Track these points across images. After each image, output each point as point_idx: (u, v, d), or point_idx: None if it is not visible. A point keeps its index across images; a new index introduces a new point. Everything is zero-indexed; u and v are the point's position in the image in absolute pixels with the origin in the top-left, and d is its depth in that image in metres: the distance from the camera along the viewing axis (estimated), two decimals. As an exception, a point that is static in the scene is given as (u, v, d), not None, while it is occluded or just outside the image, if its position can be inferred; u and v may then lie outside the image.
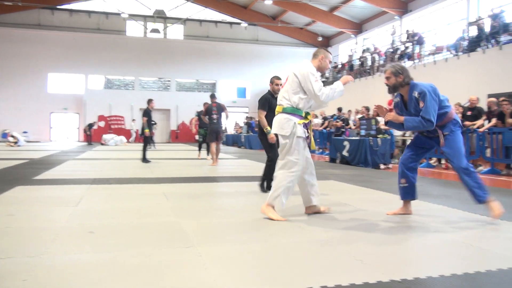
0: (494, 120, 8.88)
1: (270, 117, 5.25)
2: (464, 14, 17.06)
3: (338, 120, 14.78)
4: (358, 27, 25.50)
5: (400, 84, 4.00)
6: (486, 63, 12.84)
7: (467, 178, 3.91)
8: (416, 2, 20.20)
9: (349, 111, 15.77)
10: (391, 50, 18.75)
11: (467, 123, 9.30)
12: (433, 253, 2.95)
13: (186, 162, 11.27)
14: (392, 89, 4.07)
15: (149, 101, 10.76)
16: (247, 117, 25.61)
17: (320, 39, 28.46)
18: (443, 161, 10.49)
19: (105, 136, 22.84)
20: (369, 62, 20.31)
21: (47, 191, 5.67)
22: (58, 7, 27.49)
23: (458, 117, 4.11)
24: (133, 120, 26.40)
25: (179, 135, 28.70)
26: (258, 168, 9.51)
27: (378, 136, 10.43)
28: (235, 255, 2.84)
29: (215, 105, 9.93)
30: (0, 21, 26.50)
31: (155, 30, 28.34)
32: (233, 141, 23.44)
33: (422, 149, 4.25)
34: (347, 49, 26.38)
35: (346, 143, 11.16)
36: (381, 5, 21.12)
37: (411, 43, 17.19)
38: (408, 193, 4.22)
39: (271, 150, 5.47)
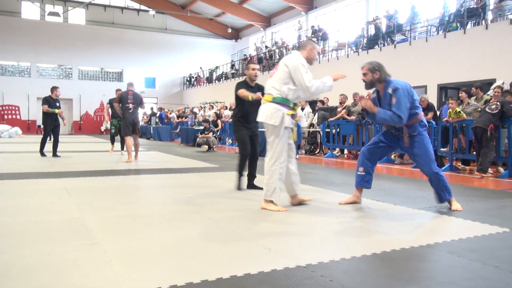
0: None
1: (242, 109, 5.15)
2: (364, 14, 18.21)
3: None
4: (267, 20, 26.01)
5: (378, 80, 4.12)
6: (382, 60, 13.80)
7: (437, 182, 4.14)
8: (321, -1, 21.13)
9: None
10: (298, 44, 19.41)
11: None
12: (336, 238, 3.14)
13: (91, 154, 10.69)
14: (369, 85, 4.20)
15: (53, 88, 9.76)
16: (156, 108, 24.96)
17: (230, 30, 28.57)
18: (346, 151, 11.16)
19: (-2, 127, 20.86)
20: (277, 56, 20.84)
21: None
22: None
23: (425, 119, 4.28)
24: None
25: (82, 126, 27.12)
26: (168, 161, 9.35)
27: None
28: (142, 250, 2.76)
29: (131, 93, 8.85)
30: None
31: (54, 14, 26.29)
32: (142, 132, 22.72)
33: (386, 145, 4.33)
34: (256, 42, 26.81)
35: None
36: (288, 0, 21.75)
37: (316, 39, 17.94)
38: (363, 181, 4.35)
39: (245, 146, 5.19)
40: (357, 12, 18.96)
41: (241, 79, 22.84)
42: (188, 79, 29.52)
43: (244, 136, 5.20)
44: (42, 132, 9.95)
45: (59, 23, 26.87)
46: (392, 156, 9.52)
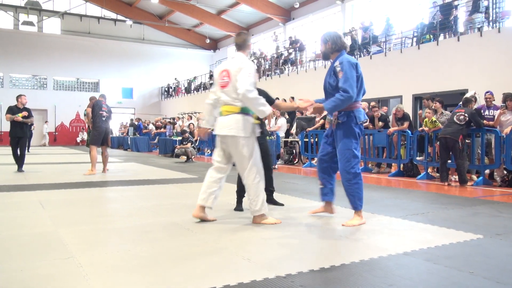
0: (366, 123, 9.75)
1: None
2: (340, 25, 18.52)
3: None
4: (245, 31, 26.14)
5: (330, 51, 4.02)
6: (359, 70, 14.12)
7: (346, 183, 3.94)
8: (298, 10, 21.40)
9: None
10: (276, 55, 19.57)
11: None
12: (313, 248, 3.15)
13: (66, 166, 10.48)
14: (323, 56, 4.14)
15: (18, 97, 9.09)
16: (133, 119, 24.71)
17: (208, 41, 28.61)
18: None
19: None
20: (255, 66, 20.97)
21: None
22: None
23: (363, 113, 3.97)
24: (46, 121, 25.56)
25: (57, 137, 26.62)
26: (146, 172, 9.24)
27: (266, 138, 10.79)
28: (119, 263, 2.71)
29: (105, 103, 8.67)
30: None
31: (28, 23, 25.91)
32: (119, 143, 22.44)
33: (330, 146, 4.09)
34: (233, 52, 26.89)
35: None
36: (266, 12, 21.96)
37: (293, 50, 18.13)
38: (323, 195, 4.22)
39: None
40: (334, 24, 19.27)
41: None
42: (166, 89, 29.36)
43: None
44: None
45: (34, 33, 26.46)
46: (369, 165, 9.64)
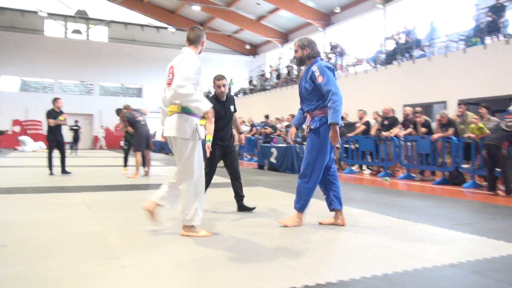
0: (410, 129, 9.52)
1: (216, 125, 4.40)
2: (382, 29, 18.19)
3: (266, 127, 15.02)
4: (285, 36, 26.20)
5: (307, 57, 4.05)
6: (401, 75, 13.78)
7: (298, 185, 4.01)
8: (339, 15, 21.21)
9: (277, 118, 16.08)
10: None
11: (384, 133, 9.88)
12: (355, 256, 3.09)
13: (111, 169, 10.82)
14: (299, 61, 4.13)
15: (54, 100, 9.02)
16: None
17: (247, 47, 28.84)
18: (364, 167, 11.06)
19: (21, 138, 21.38)
20: (295, 71, 20.92)
21: (-49, 202, 5.15)
22: (-34, 1, 25.32)
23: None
24: (101, 126, 26.86)
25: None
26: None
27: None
28: (161, 265, 2.76)
29: (132, 111, 8.81)
30: None
31: (77, 31, 27.06)
32: (161, 147, 22.92)
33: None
34: (274, 58, 26.99)
35: (273, 150, 11.37)
36: (305, 17, 21.89)
37: (333, 54, 17.97)
38: (330, 203, 4.16)
39: (210, 165, 4.77)
40: (374, 28, 18.95)
41: (260, 94, 22.92)
42: (206, 95, 29.79)
43: (216, 156, 4.78)
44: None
45: (82, 41, 27.58)
46: (412, 173, 9.38)
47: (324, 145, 3.91)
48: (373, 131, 10.52)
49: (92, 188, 6.79)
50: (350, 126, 11.78)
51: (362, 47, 17.85)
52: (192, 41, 3.64)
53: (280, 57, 24.12)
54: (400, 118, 10.85)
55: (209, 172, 4.77)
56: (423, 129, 9.12)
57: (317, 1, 21.33)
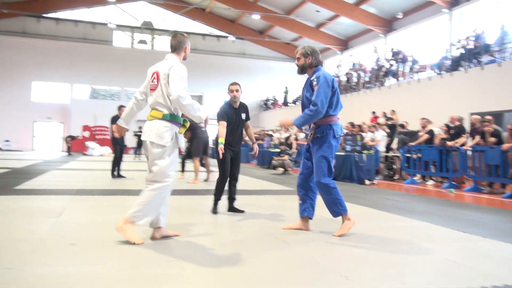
0: (477, 138, 9.03)
1: (227, 131, 4.95)
2: (447, 34, 17.45)
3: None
4: (344, 43, 25.86)
5: (309, 65, 4.03)
6: (468, 82, 13.12)
7: (324, 195, 3.90)
8: (401, 21, 20.61)
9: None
10: (376, 67, 19.02)
11: (449, 143, 9.44)
12: (416, 270, 2.96)
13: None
14: (300, 69, 4.10)
15: (119, 107, 9.36)
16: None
17: (306, 54, 28.73)
18: (427, 177, 10.62)
19: (88, 143, 22.67)
20: (354, 79, 20.57)
21: (28, 201, 5.55)
22: (44, 15, 27.32)
23: (340, 126, 4.00)
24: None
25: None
26: (244, 182, 9.49)
27: (364, 152, 10.52)
28: (219, 270, 2.81)
29: None
30: (-16, 28, 26.24)
31: (143, 41, 28.35)
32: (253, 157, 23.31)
33: (310, 160, 4.06)
34: (333, 65, 26.70)
35: (331, 158, 11.20)
36: (366, 23, 21.49)
37: (395, 61, 17.47)
38: (301, 210, 4.13)
39: (225, 169, 5.02)
40: (439, 33, 18.22)
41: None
42: (265, 102, 30.04)
43: (227, 158, 5.00)
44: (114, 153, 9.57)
45: (147, 50, 28.83)
46: (480, 185, 8.86)
47: (332, 151, 3.92)
48: (437, 140, 10.09)
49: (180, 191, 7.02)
50: (412, 134, 11.38)
51: (425, 53, 17.20)
52: (175, 48, 3.71)
53: (339, 64, 23.83)
54: (467, 127, 10.32)
55: (223, 175, 5.04)
56: (492, 139, 8.61)
57: (379, 7, 20.88)
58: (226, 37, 29.85)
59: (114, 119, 9.20)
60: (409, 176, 10.66)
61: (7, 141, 24.92)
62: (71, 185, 7.54)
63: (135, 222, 3.44)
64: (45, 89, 27.69)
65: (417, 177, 10.80)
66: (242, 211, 5.19)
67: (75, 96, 27.84)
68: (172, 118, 3.50)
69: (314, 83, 3.84)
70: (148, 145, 3.50)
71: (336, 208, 3.91)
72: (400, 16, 20.04)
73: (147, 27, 28.77)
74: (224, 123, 4.93)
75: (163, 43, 29.63)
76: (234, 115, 5.03)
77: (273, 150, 16.32)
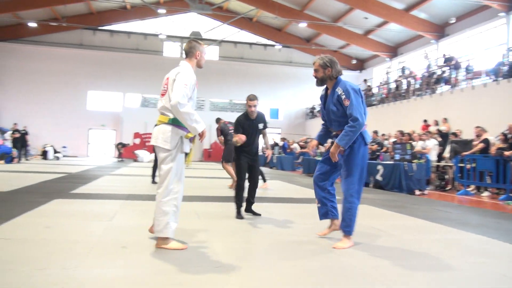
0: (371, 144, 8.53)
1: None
2: (504, 39, 16.67)
3: (373, 144, 14.55)
4: (393, 50, 25.31)
5: (329, 77, 3.88)
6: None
7: (347, 205, 3.80)
8: (453, 26, 19.91)
9: (383, 134, 15.49)
10: (427, 74, 18.46)
11: (506, 153, 8.98)
12: (470, 286, 2.83)
13: (219, 181, 11.32)
14: (320, 82, 3.95)
15: None
16: (275, 140, 25.64)
17: (354, 61, 28.39)
18: (482, 189, 10.14)
19: (137, 152, 23.41)
20: (404, 86, 20.06)
21: (83, 205, 5.81)
22: (100, 27, 28.69)
23: (368, 133, 3.92)
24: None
25: (211, 154, 28.97)
26: (290, 190, 9.47)
27: (413, 161, 10.20)
28: (264, 277, 2.81)
29: (228, 123, 9.19)
30: (44, 41, 27.86)
31: (191, 51, 28.98)
32: (265, 161, 23.43)
33: (330, 164, 4.00)
34: (381, 72, 26.17)
35: (379, 167, 10.97)
36: (417, 29, 20.92)
37: (447, 68, 16.89)
38: (321, 214, 4.12)
39: (241, 175, 5.31)
40: (496, 38, 17.43)
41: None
42: (311, 110, 29.88)
43: (244, 164, 5.29)
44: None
45: (195, 60, 29.47)
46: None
47: (363, 162, 3.84)
48: (493, 150, 9.62)
49: (202, 198, 7.16)
50: (466, 144, 10.93)
51: (480, 59, 16.51)
52: (186, 54, 3.74)
53: (388, 71, 23.33)
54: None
55: (240, 181, 5.31)
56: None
57: (430, 12, 20.29)
58: (273, 45, 30.05)
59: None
60: (463, 187, 10.22)
61: (64, 147, 26.21)
62: (122, 190, 7.82)
63: (163, 235, 3.48)
64: (100, 98, 28.96)
65: (471, 188, 10.33)
66: (259, 214, 5.47)
67: (127, 105, 28.92)
68: (178, 122, 3.51)
69: (343, 97, 3.73)
70: (155, 150, 3.59)
71: (348, 224, 3.82)
72: (453, 21, 19.37)
73: (196, 37, 29.45)
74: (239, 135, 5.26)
75: (211, 52, 30.26)
76: (251, 125, 5.36)
77: (319, 158, 16.16)
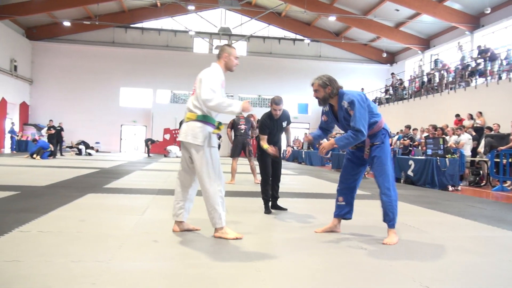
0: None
1: (268, 136, 5.42)
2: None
3: (405, 139, 14.28)
4: (426, 42, 24.70)
5: (329, 96, 3.90)
6: None
7: (386, 199, 3.79)
8: (489, 16, 19.24)
9: (415, 129, 15.17)
10: (460, 66, 17.93)
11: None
12: (506, 284, 2.75)
13: (245, 176, 11.37)
14: (322, 101, 3.96)
15: None
16: (299, 138, 25.47)
17: (384, 55, 27.86)
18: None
19: (169, 148, 23.76)
20: (437, 79, 19.56)
21: (116, 199, 5.96)
22: (131, 25, 29.21)
23: (388, 126, 3.99)
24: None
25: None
26: (319, 185, 9.42)
27: (446, 156, 9.95)
28: (293, 272, 2.82)
29: (243, 118, 9.23)
30: (78, 39, 28.62)
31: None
32: (294, 157, 23.38)
33: (355, 164, 4.07)
34: (413, 65, 25.60)
35: (411, 162, 10.76)
36: (450, 20, 20.34)
37: (483, 60, 16.35)
38: (343, 212, 4.13)
39: (266, 170, 5.42)
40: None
41: (396, 104, 21.98)
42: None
43: (268, 160, 5.39)
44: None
45: (224, 55, 29.64)
46: None
47: (390, 156, 3.93)
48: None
49: (230, 193, 7.20)
50: (502, 138, 10.58)
51: (518, 50, 15.90)
52: (217, 56, 3.98)
53: (421, 64, 22.80)
54: None
55: (265, 177, 5.42)
56: None
57: (464, 3, 19.68)
58: (301, 40, 29.85)
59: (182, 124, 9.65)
60: (498, 183, 9.90)
61: (97, 143, 26.89)
62: (153, 185, 7.97)
63: (222, 226, 3.70)
64: (131, 94, 29.54)
65: (508, 184, 10.00)
66: (285, 209, 5.54)
67: (157, 101, 29.38)
68: (204, 119, 3.71)
69: (349, 109, 3.77)
70: (186, 146, 3.75)
71: (394, 217, 3.82)
72: (488, 11, 18.71)
73: (225, 33, 29.60)
74: (265, 137, 5.39)
75: (240, 48, 30.33)
76: (275, 125, 5.47)
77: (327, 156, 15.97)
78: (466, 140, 11.33)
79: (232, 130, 9.33)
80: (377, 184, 3.89)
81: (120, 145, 29.41)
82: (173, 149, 23.55)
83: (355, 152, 4.07)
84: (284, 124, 5.55)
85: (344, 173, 4.12)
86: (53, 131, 18.71)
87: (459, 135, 11.52)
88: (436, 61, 20.49)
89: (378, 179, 3.87)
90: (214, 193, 3.65)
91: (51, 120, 20.18)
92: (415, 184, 10.34)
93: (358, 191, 8.35)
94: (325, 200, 6.82)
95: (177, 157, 22.48)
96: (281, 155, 5.67)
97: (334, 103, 3.97)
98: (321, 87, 3.91)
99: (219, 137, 10.14)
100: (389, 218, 3.82)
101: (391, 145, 15.00)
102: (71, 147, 22.15)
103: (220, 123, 3.86)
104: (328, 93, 3.90)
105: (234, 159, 9.22)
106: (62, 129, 19.74)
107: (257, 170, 8.02)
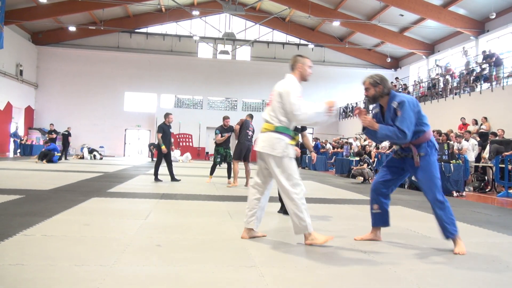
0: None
1: None
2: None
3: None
4: (430, 47, 24.67)
5: (380, 95, 3.86)
6: None
7: (441, 212, 3.69)
8: (494, 21, 19.20)
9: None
10: (465, 71, 17.89)
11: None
12: (513, 291, 2.73)
13: (251, 181, 11.35)
14: (372, 100, 3.93)
15: (166, 115, 10.14)
16: (312, 139, 25.44)
17: (389, 60, 27.85)
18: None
19: (172, 153, 23.77)
20: (441, 84, 19.52)
21: (120, 203, 5.96)
22: (136, 30, 29.36)
23: (435, 139, 3.89)
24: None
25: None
26: (323, 190, 9.40)
27: (451, 161, 9.91)
28: (298, 278, 2.80)
29: (252, 123, 9.37)
30: (83, 44, 28.78)
31: (224, 52, 29.27)
32: (296, 161, 23.30)
33: (395, 173, 4.01)
34: (417, 70, 25.58)
35: (415, 167, 10.70)
36: (455, 25, 20.31)
37: (487, 65, 16.31)
38: (380, 220, 4.05)
39: None
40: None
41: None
42: (344, 109, 29.53)
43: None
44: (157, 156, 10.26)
45: (228, 60, 29.74)
46: None
47: (436, 163, 3.86)
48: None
49: (234, 198, 7.21)
50: (507, 143, 10.53)
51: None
52: (291, 68, 4.02)
53: (432, 67, 22.75)
54: None
55: None
56: None
57: (469, 8, 19.66)
58: (305, 45, 29.89)
59: (161, 128, 10.00)
60: (504, 189, 9.85)
61: (101, 147, 26.96)
62: (157, 190, 7.97)
63: (310, 231, 3.72)
64: (136, 99, 29.63)
65: (513, 190, 9.95)
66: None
67: (161, 105, 29.46)
68: (283, 130, 3.77)
69: (398, 110, 3.73)
70: (263, 156, 3.82)
71: (449, 227, 3.70)
72: (493, 16, 18.69)
73: (229, 38, 29.69)
74: None
75: (244, 53, 30.41)
76: None
77: (352, 158, 15.95)
78: (470, 145, 11.28)
79: (239, 130, 9.32)
80: (427, 198, 3.80)
81: (124, 150, 29.47)
82: (175, 153, 23.58)
83: (394, 159, 4.03)
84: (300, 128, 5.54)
85: (380, 180, 4.04)
86: (54, 136, 18.76)
87: (460, 142, 11.45)
88: (441, 66, 20.47)
89: (429, 193, 3.77)
90: (297, 200, 3.68)
91: (51, 124, 20.25)
92: (420, 189, 10.28)
93: (360, 196, 8.35)
94: (329, 206, 6.80)
95: (181, 161, 22.51)
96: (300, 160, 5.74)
97: (383, 103, 3.94)
98: (372, 86, 3.91)
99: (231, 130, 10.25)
100: (452, 227, 3.70)
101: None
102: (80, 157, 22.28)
103: (296, 133, 3.94)
104: (379, 92, 3.88)
105: (236, 162, 9.33)
106: (69, 134, 19.80)
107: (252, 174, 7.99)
